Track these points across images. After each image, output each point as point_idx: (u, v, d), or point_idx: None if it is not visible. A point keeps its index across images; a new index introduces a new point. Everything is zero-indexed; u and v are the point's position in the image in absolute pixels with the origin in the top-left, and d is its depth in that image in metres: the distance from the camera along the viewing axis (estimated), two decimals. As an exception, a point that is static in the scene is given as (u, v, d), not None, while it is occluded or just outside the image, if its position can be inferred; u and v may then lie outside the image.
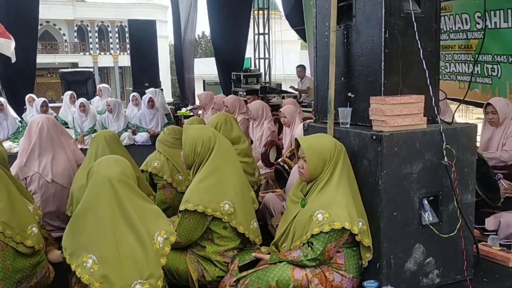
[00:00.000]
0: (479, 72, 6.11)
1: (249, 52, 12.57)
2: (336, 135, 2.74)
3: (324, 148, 2.50)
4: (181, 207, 2.59)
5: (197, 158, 2.69)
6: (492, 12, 5.81)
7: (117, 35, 33.06)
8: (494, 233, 3.33)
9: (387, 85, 2.57)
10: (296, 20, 10.04)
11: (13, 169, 3.47)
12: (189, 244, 2.68)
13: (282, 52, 12.38)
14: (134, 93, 8.54)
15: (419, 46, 2.55)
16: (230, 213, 2.60)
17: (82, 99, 7.66)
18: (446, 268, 2.64)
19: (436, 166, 2.55)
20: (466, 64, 6.42)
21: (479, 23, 6.09)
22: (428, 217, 2.58)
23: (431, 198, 2.59)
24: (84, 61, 31.59)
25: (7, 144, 6.86)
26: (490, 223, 3.36)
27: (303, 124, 3.16)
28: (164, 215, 2.34)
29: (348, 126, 2.73)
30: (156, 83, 9.68)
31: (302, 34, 10.12)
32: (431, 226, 2.51)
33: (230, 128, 3.29)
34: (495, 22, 5.89)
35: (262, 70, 11.73)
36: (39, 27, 30.19)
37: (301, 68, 9.31)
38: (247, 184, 2.83)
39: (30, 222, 2.50)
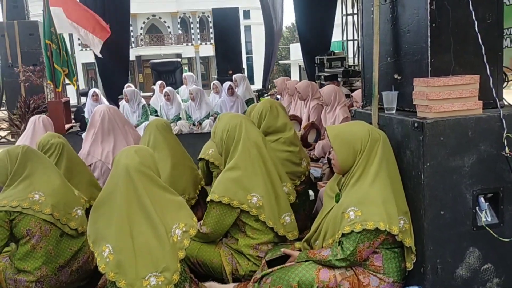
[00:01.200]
0: None
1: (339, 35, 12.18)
2: (380, 122, 2.47)
3: (354, 137, 2.26)
4: (208, 198, 2.53)
5: (224, 145, 2.62)
6: None
7: (198, 25, 34.00)
8: None
9: (436, 65, 2.24)
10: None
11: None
12: (218, 236, 2.62)
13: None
14: (215, 82, 8.70)
15: (474, 18, 2.17)
16: (258, 206, 2.48)
17: (167, 88, 7.97)
18: (510, 276, 2.25)
19: (495, 158, 2.17)
20: None
21: None
22: (486, 217, 2.22)
23: (489, 195, 2.22)
24: (187, 51, 33.21)
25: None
26: None
27: (350, 110, 2.91)
28: (187, 207, 2.29)
29: (393, 112, 2.44)
30: (240, 71, 9.76)
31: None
32: (488, 228, 2.16)
33: (276, 115, 3.15)
34: None
35: (351, 53, 11.25)
36: (146, 20, 32.30)
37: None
38: (282, 176, 2.68)
39: (76, 204, 2.64)
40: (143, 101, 8.11)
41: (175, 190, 2.28)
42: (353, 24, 11.43)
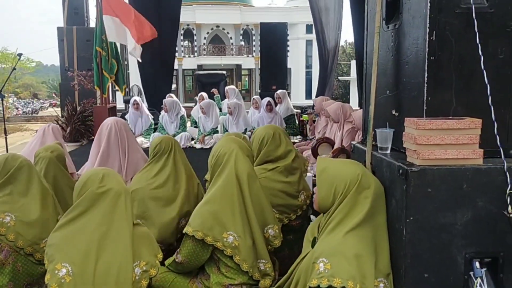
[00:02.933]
0: None
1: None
2: (373, 163, 2.20)
3: (340, 177, 2.01)
4: (184, 229, 2.37)
5: (210, 171, 2.46)
6: None
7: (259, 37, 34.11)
8: None
9: (433, 103, 1.95)
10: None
11: (82, 170, 3.68)
12: (194, 267, 2.45)
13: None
14: (255, 96, 8.60)
15: (480, 52, 1.87)
16: (234, 246, 2.29)
17: (203, 102, 7.97)
18: None
19: (495, 217, 1.84)
20: None
21: None
22: (481, 285, 1.89)
23: (486, 260, 1.89)
24: (246, 62, 33.56)
25: (139, 139, 7.52)
26: None
27: (352, 145, 2.65)
28: (154, 242, 2.16)
29: (387, 152, 2.17)
30: (283, 86, 9.58)
31: None
32: (483, 300, 1.83)
33: (278, 144, 2.93)
34: None
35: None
36: (210, 31, 33.04)
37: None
38: (268, 218, 2.46)
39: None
40: (183, 112, 8.16)
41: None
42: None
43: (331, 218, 2.02)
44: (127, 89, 10.38)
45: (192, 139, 7.82)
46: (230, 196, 2.35)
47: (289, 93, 8.97)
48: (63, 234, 2.01)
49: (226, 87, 9.30)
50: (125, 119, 8.27)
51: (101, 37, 8.03)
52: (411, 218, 1.83)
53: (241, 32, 34.18)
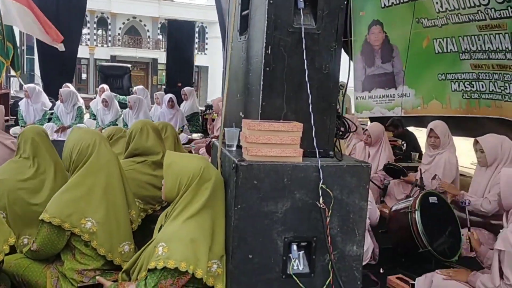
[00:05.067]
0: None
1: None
2: (222, 157, 2.45)
3: (184, 171, 2.23)
4: (40, 216, 2.45)
5: (72, 164, 2.54)
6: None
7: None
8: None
9: (267, 108, 2.25)
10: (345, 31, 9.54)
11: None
12: (50, 255, 2.53)
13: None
14: (157, 93, 8.66)
15: (305, 67, 2.19)
16: (92, 232, 2.41)
17: (104, 94, 7.88)
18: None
19: (310, 207, 2.18)
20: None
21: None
22: (298, 265, 2.21)
23: (303, 244, 2.22)
24: (163, 57, 33.04)
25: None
26: (420, 283, 2.85)
27: (211, 142, 2.90)
28: (3, 227, 2.23)
29: (233, 148, 2.43)
30: (189, 84, 9.73)
31: (346, 47, 9.62)
32: (295, 277, 2.15)
33: (145, 137, 3.10)
34: None
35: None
36: (126, 21, 31.94)
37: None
38: (129, 202, 2.61)
39: None
40: (80, 103, 7.98)
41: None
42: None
43: (175, 207, 2.24)
44: (21, 75, 9.87)
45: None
46: (93, 183, 2.46)
47: (197, 91, 9.13)
48: None
49: (135, 88, 9.21)
50: (17, 106, 7.92)
51: (-5, 20, 7.63)
52: (239, 206, 2.10)
53: (159, 25, 33.59)
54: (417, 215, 3.12)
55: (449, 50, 6.68)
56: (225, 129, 2.45)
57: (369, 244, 3.33)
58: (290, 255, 2.19)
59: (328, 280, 2.16)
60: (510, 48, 5.60)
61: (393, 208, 3.44)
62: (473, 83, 6.35)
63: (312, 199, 2.17)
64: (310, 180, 2.16)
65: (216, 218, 2.23)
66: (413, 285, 2.87)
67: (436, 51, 6.88)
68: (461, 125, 6.86)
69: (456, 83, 6.68)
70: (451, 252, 3.19)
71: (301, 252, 2.23)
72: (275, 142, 2.14)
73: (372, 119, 7.90)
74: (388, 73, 8.16)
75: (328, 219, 2.14)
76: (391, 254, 3.51)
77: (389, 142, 5.44)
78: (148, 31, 33.48)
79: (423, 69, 7.22)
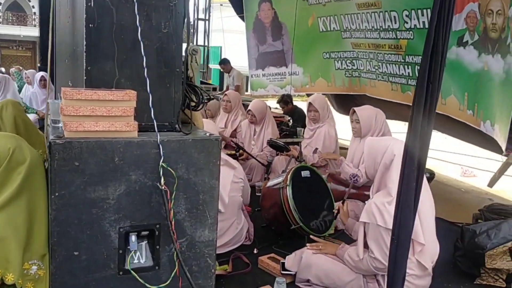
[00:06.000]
0: (411, 74, 5.54)
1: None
2: (47, 137, 2.02)
3: None
4: None
5: None
6: (419, 11, 5.23)
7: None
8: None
9: (94, 74, 1.85)
10: (240, 6, 9.23)
11: None
12: None
13: (224, 41, 11.56)
14: (26, 71, 7.74)
15: (138, 23, 1.83)
16: None
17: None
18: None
19: (151, 190, 1.85)
20: (397, 66, 5.83)
21: (407, 22, 5.50)
22: (139, 259, 1.89)
23: (144, 233, 1.89)
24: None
25: None
26: (289, 261, 2.69)
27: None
28: None
29: (59, 125, 2.00)
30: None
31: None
32: (134, 272, 1.82)
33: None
34: (423, 22, 5.31)
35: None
36: (7, -5, 28.77)
37: (224, 64, 8.63)
38: None
39: None
40: None
41: None
42: (204, 31, 11.16)
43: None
44: None
45: None
46: None
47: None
48: None
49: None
50: None
51: None
52: (57, 194, 1.71)
53: (46, 1, 30.77)
54: (289, 191, 2.94)
55: (332, 29, 6.72)
56: (49, 101, 2.02)
57: (243, 223, 3.11)
58: (129, 247, 1.86)
59: (174, 271, 1.86)
60: (384, 27, 5.71)
61: (267, 185, 3.24)
62: (354, 61, 6.45)
63: (152, 180, 1.84)
64: (149, 158, 1.83)
65: (34, 210, 1.81)
66: (284, 264, 2.70)
67: (321, 30, 6.90)
68: (347, 103, 7.03)
69: (339, 61, 6.75)
70: (326, 227, 3.08)
71: (144, 243, 1.91)
72: (102, 114, 1.76)
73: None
74: (278, 51, 8.11)
75: (171, 202, 1.84)
76: (266, 233, 3.33)
77: (274, 118, 5.30)
78: (33, 7, 30.50)
79: (309, 47, 7.25)
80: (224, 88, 9.12)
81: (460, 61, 4.53)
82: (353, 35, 6.33)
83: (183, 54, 2.19)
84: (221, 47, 14.54)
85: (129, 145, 1.80)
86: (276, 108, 7.80)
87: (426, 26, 5.07)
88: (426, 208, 2.40)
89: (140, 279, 1.82)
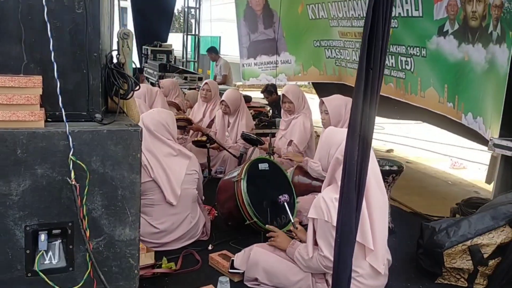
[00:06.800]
0: (394, 65, 5.33)
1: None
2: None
3: None
4: None
5: None
6: (403, -2, 5.03)
7: None
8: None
9: (-1, 59, 1.70)
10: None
11: None
12: None
13: (212, 30, 11.38)
14: None
15: (44, 2, 1.67)
16: None
17: None
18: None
19: (60, 185, 1.70)
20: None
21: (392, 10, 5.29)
22: (51, 259, 1.74)
23: (55, 231, 1.75)
24: None
25: None
26: (238, 259, 2.55)
27: None
28: None
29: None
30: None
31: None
32: (42, 274, 1.68)
33: None
34: (407, 10, 5.09)
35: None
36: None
37: (211, 53, 8.44)
38: None
39: None
40: None
41: None
42: (195, 19, 10.97)
43: None
44: None
45: None
46: None
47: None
48: None
49: None
50: None
51: None
52: (-49, 190, 1.57)
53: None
54: (243, 184, 2.79)
55: (320, 17, 6.54)
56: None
57: (198, 217, 2.97)
58: (37, 246, 1.71)
59: (87, 273, 1.72)
60: (361, 15, 5.52)
61: (224, 177, 3.09)
62: (341, 50, 6.27)
63: (62, 175, 1.69)
64: (57, 150, 1.67)
65: None
66: (233, 261, 2.56)
67: (310, 17, 6.71)
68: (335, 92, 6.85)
69: (329, 50, 6.58)
70: (285, 222, 2.93)
71: (57, 242, 1.76)
72: (1, 102, 1.61)
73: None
74: (270, 39, 7.92)
75: (84, 198, 1.69)
76: (226, 229, 3.18)
77: (252, 109, 5.14)
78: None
79: (300, 35, 7.07)
80: (211, 78, 8.96)
81: (441, 51, 4.34)
82: (340, 23, 6.14)
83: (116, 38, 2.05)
84: (220, 37, 14.38)
85: (33, 136, 1.64)
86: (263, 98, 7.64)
87: (410, 14, 4.87)
88: (377, 213, 2.23)
89: (49, 281, 1.68)
